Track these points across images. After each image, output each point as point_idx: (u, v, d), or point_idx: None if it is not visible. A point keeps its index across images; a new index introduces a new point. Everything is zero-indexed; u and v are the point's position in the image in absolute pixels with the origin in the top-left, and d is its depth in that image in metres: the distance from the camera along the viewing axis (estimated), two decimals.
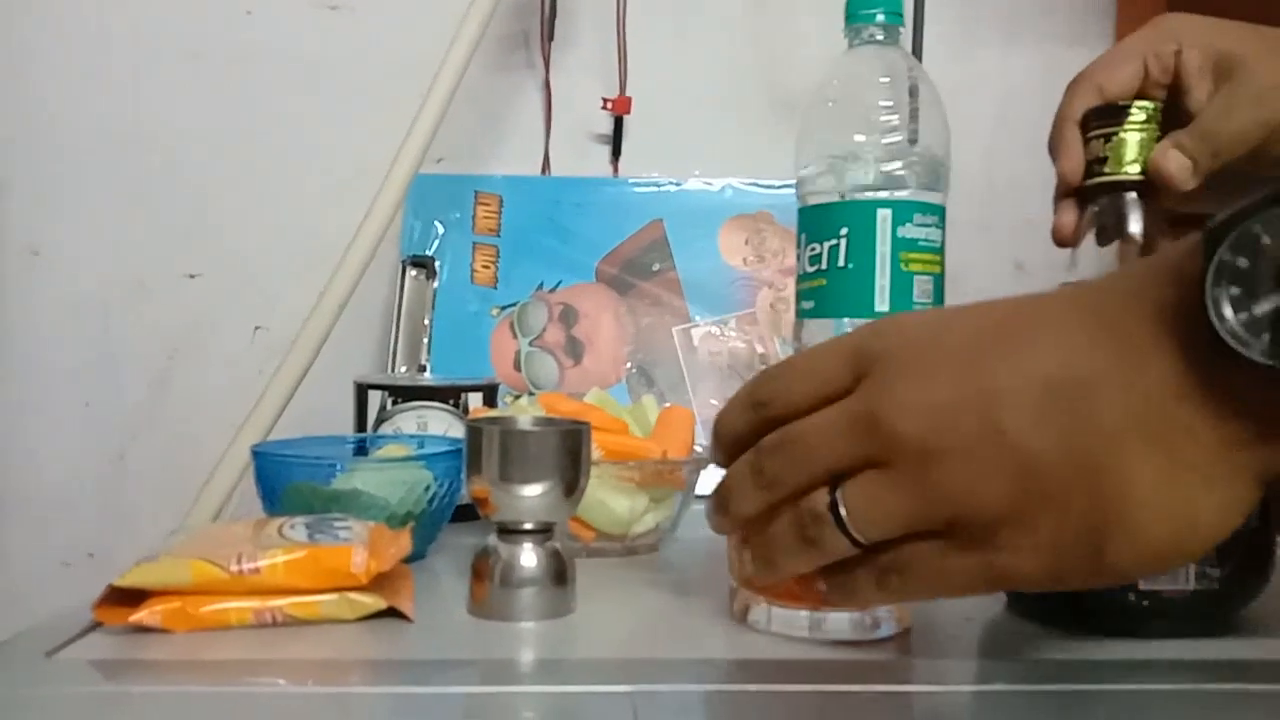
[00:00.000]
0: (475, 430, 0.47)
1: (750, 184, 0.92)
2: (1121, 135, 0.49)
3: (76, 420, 0.94)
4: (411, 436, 0.67)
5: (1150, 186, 0.49)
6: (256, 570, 0.44)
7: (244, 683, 0.41)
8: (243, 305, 0.94)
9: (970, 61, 0.99)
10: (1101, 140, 0.49)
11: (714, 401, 0.87)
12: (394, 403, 0.70)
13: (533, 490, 0.47)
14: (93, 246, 0.94)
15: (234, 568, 0.44)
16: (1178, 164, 0.49)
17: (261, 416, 0.71)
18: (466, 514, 0.68)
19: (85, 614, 0.44)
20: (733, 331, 0.89)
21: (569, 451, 0.47)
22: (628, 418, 0.67)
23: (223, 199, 0.94)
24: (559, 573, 0.48)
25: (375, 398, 0.71)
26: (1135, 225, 0.49)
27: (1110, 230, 0.50)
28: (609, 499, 0.58)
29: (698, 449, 0.67)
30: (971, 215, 0.98)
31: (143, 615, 0.43)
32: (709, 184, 0.92)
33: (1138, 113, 0.49)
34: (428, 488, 0.56)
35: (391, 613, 0.46)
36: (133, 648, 0.43)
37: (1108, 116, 0.49)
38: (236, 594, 0.44)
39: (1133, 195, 0.49)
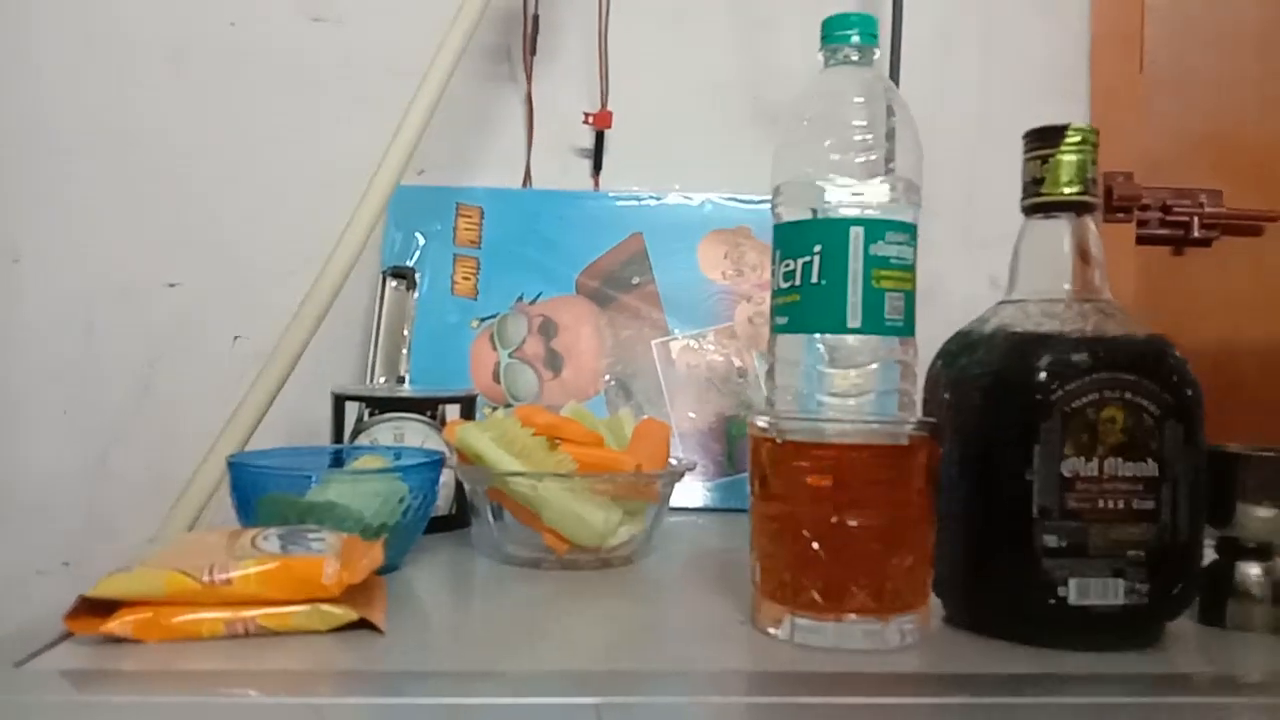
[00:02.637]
0: None
1: (730, 199, 0.93)
2: (1058, 157, 0.49)
3: (55, 427, 0.94)
4: (388, 448, 0.67)
5: (1086, 206, 0.50)
6: (229, 581, 0.44)
7: (215, 693, 0.41)
8: (223, 314, 0.94)
9: (948, 80, 1.00)
10: (1038, 162, 0.50)
11: (691, 414, 0.87)
12: (371, 414, 0.70)
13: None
14: (74, 254, 0.94)
15: (206, 579, 0.44)
16: None
17: (239, 426, 0.71)
18: (440, 525, 0.68)
19: (56, 624, 0.44)
20: (711, 345, 0.90)
21: None
22: (604, 431, 0.67)
23: (203, 208, 0.95)
24: None
25: (353, 409, 0.72)
26: (1071, 244, 0.50)
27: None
28: (583, 511, 0.59)
29: (673, 461, 0.67)
30: (951, 231, 0.99)
31: (114, 625, 0.43)
32: (689, 198, 0.93)
33: (1074, 135, 0.49)
34: (402, 499, 0.56)
35: (363, 624, 0.46)
36: (104, 658, 0.43)
37: (1044, 138, 0.50)
38: (209, 605, 0.44)
39: (1069, 215, 0.50)
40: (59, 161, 0.94)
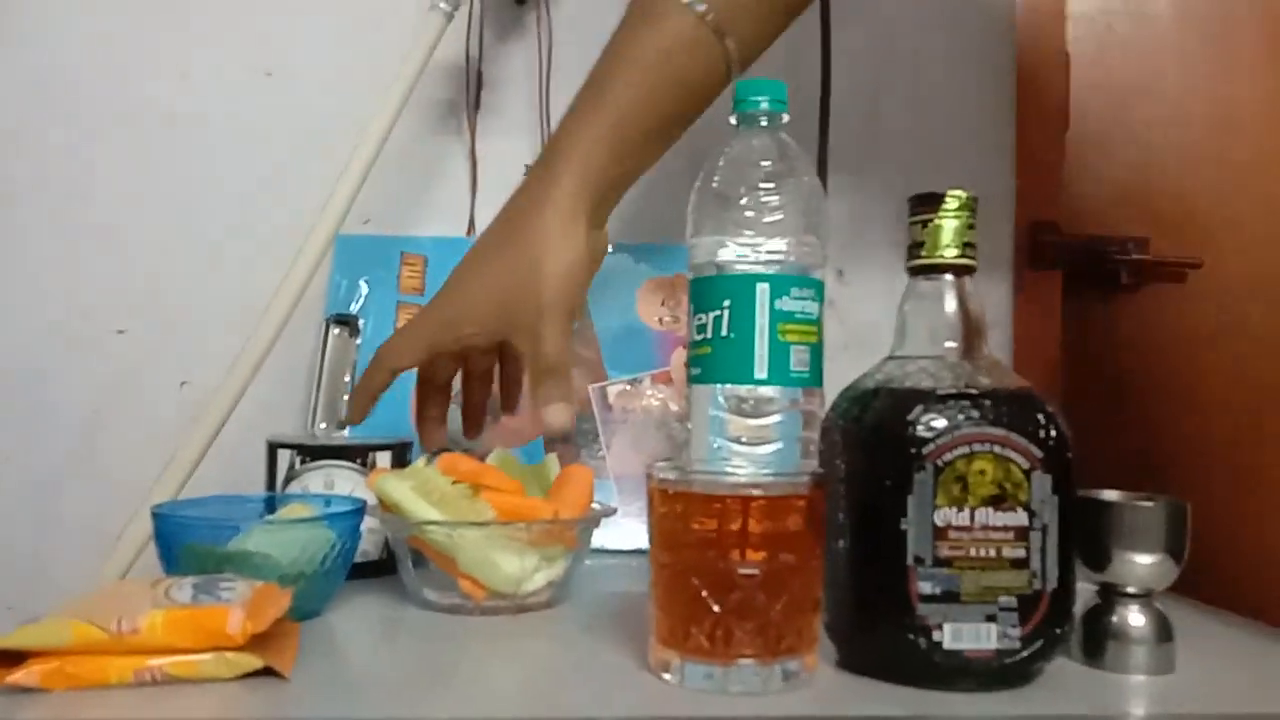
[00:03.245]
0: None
1: (667, 246, 0.96)
2: (937, 221, 0.52)
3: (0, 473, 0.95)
4: (317, 496, 0.69)
5: (966, 268, 0.53)
6: (135, 631, 0.46)
7: None
8: (169, 361, 0.96)
9: (877, 138, 1.04)
10: (920, 226, 0.53)
11: (628, 458, 0.90)
12: (302, 461, 0.72)
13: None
14: (19, 302, 0.95)
15: (114, 628, 0.46)
16: (563, 415, 0.63)
17: (173, 475, 0.72)
18: (372, 571, 0.70)
19: None
20: (648, 390, 0.92)
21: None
22: (529, 477, 0.69)
23: (151, 256, 0.96)
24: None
25: (286, 456, 0.73)
26: (951, 304, 0.52)
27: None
28: (498, 558, 0.61)
29: (595, 507, 0.69)
30: (881, 284, 1.02)
31: (20, 675, 0.45)
32: (628, 246, 0.96)
33: (951, 200, 0.52)
34: (320, 548, 0.58)
35: (270, 671, 0.48)
36: (9, 708, 0.44)
37: (925, 204, 0.53)
38: (116, 654, 0.46)
39: (949, 277, 0.53)
40: (4, 210, 0.95)
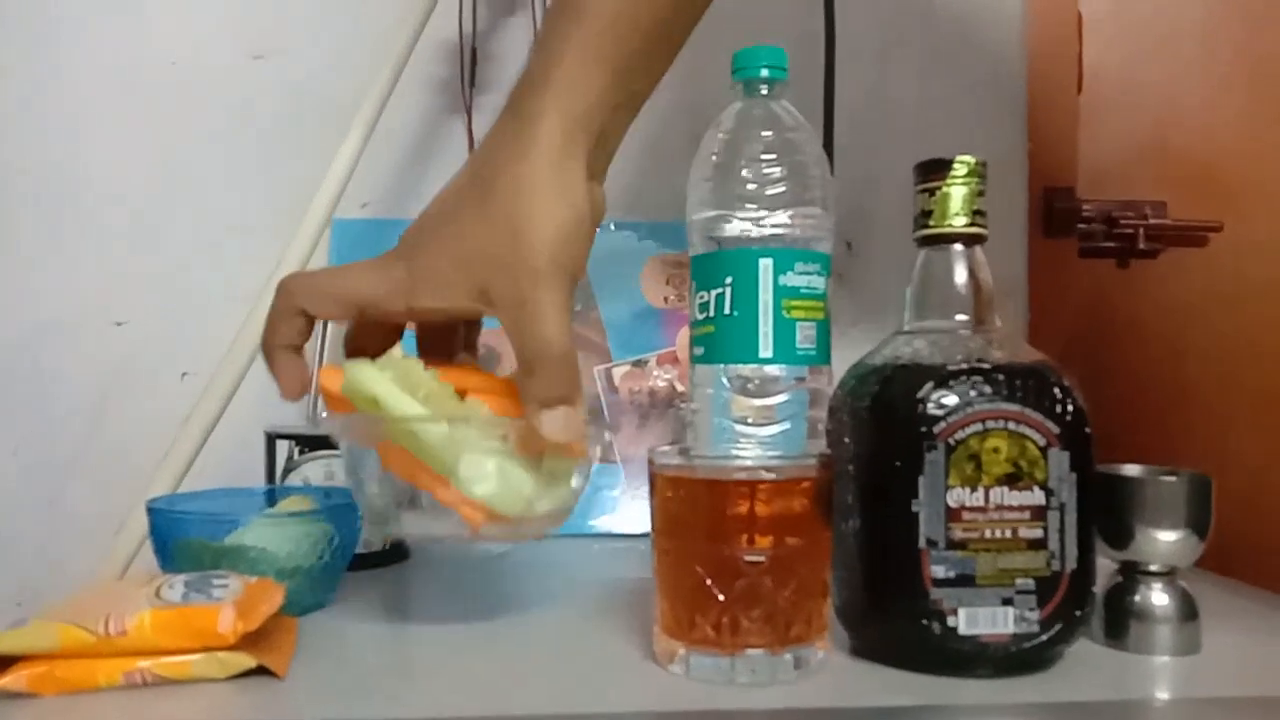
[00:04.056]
0: None
1: (673, 224, 0.94)
2: (945, 189, 0.50)
3: (5, 469, 0.94)
4: (315, 488, 0.67)
5: (976, 237, 0.51)
6: (124, 632, 0.45)
7: None
8: (170, 352, 0.95)
9: (886, 102, 1.01)
10: (927, 194, 0.51)
11: (634, 439, 0.88)
12: (301, 452, 0.70)
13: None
14: (19, 295, 0.94)
15: (101, 630, 0.44)
16: (567, 423, 0.48)
17: (171, 468, 0.71)
18: (369, 562, 0.69)
19: None
20: (654, 371, 0.91)
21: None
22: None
23: (149, 246, 0.95)
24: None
25: (285, 448, 0.72)
26: (961, 275, 0.50)
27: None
28: (507, 467, 0.47)
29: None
30: (891, 251, 1.00)
31: (9, 680, 0.44)
32: (631, 224, 0.94)
33: (959, 167, 0.50)
34: (316, 541, 0.56)
35: (263, 670, 0.47)
36: None
37: (932, 171, 0.51)
38: (105, 656, 0.45)
39: (958, 247, 0.51)
40: (1, 202, 0.94)
